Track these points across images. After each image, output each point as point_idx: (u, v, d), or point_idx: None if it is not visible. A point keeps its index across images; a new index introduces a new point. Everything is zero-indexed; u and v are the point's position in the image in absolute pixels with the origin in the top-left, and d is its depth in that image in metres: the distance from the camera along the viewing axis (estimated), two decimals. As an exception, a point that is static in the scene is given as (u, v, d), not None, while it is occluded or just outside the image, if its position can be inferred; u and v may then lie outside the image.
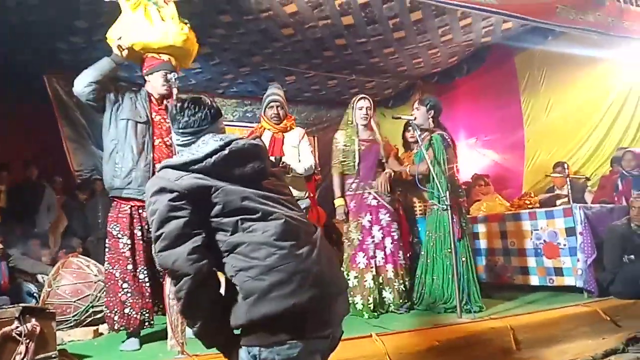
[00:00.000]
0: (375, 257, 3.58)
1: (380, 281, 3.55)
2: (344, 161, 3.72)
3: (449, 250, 3.35)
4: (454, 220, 3.33)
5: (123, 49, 2.77)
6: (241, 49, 5.10)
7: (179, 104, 1.44)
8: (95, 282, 3.41)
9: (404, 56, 5.58)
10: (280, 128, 3.54)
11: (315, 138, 7.27)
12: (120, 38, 2.78)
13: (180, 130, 1.43)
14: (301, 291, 1.26)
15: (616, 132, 5.06)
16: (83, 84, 2.69)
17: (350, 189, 3.72)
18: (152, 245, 1.32)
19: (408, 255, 3.90)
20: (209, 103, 1.47)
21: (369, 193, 3.67)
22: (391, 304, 3.52)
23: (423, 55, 5.60)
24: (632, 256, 3.52)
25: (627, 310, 3.42)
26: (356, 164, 3.67)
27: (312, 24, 4.56)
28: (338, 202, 3.74)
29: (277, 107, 3.51)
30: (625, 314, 3.39)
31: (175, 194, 1.27)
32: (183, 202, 1.27)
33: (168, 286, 2.51)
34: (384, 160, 3.78)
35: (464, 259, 3.42)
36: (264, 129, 3.56)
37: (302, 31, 4.70)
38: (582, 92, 5.24)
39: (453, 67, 6.03)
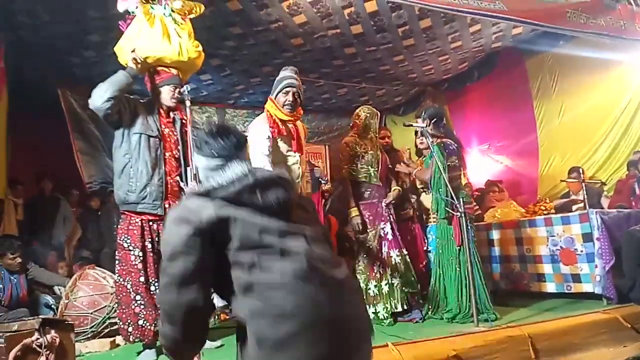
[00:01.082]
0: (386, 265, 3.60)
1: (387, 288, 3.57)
2: (362, 168, 3.72)
3: (452, 257, 3.41)
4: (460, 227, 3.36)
5: (138, 62, 2.78)
6: (251, 60, 5.15)
7: (212, 129, 1.41)
8: (111, 294, 3.45)
9: (413, 63, 5.59)
10: (294, 116, 3.14)
11: (327, 147, 7.31)
12: (134, 50, 2.79)
13: (213, 154, 1.37)
14: (319, 344, 1.15)
15: (631, 135, 4.98)
16: (102, 99, 2.68)
17: (363, 198, 3.72)
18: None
19: (423, 263, 3.88)
20: (238, 130, 1.44)
21: (380, 202, 3.72)
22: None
23: (433, 62, 5.60)
24: (652, 262, 3.45)
25: (648, 317, 3.35)
26: (379, 171, 3.71)
27: (321, 34, 4.59)
28: (353, 212, 3.69)
29: (294, 93, 3.08)
30: (647, 321, 3.32)
31: (192, 228, 1.21)
32: (198, 238, 1.20)
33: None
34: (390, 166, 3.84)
35: (468, 266, 3.41)
36: (270, 114, 3.10)
37: (312, 41, 4.74)
38: (596, 95, 5.18)
39: (463, 73, 6.03)
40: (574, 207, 4.42)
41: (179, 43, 2.89)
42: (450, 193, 3.35)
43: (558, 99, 5.57)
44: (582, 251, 3.84)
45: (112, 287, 3.49)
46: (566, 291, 3.95)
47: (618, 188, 4.67)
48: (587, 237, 3.79)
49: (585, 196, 3.88)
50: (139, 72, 2.83)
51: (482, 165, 6.49)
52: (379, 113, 3.96)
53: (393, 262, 3.59)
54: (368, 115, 3.83)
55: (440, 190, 3.44)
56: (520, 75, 5.83)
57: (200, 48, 3.01)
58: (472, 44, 5.13)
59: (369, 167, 3.73)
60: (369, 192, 3.74)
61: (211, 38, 4.19)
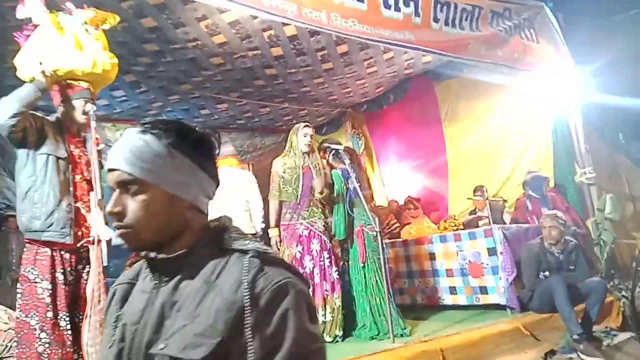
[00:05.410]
0: None
1: None
2: (284, 188, 3.71)
3: (358, 276, 3.60)
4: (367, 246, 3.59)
5: (46, 75, 2.52)
6: (168, 77, 4.99)
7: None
8: (5, 331, 3.09)
9: (333, 86, 5.75)
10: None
11: (251, 165, 7.24)
12: (41, 63, 2.52)
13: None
14: None
15: (527, 157, 5.49)
16: (6, 115, 2.38)
17: (284, 219, 3.70)
18: None
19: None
20: None
21: (301, 223, 3.66)
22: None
23: (351, 85, 5.80)
24: (547, 273, 3.78)
25: (544, 324, 3.65)
26: (299, 193, 3.66)
27: (241, 54, 4.58)
28: (273, 232, 3.70)
29: None
30: (543, 327, 3.61)
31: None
32: None
33: (86, 332, 2.33)
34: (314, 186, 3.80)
35: (373, 283, 3.57)
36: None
37: (232, 61, 4.71)
38: (495, 120, 5.67)
39: (380, 96, 6.31)
40: (480, 223, 4.75)
41: (92, 55, 2.69)
42: (345, 214, 3.67)
43: (464, 122, 6.01)
44: (487, 264, 4.11)
45: (6, 323, 3.14)
46: (475, 303, 4.20)
47: (516, 205, 5.09)
48: (492, 251, 4.08)
49: (489, 213, 4.19)
50: (48, 86, 2.56)
51: (401, 183, 6.79)
52: (303, 128, 3.80)
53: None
54: (290, 131, 3.87)
55: (339, 212, 3.67)
56: (431, 99, 6.23)
57: (115, 60, 2.82)
58: (386, 69, 5.39)
59: (288, 186, 3.72)
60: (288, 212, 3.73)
61: (124, 54, 4.00)
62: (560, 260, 3.83)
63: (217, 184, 1.01)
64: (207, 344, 0.81)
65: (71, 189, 2.60)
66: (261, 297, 0.82)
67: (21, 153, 2.55)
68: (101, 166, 2.73)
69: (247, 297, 0.82)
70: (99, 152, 2.71)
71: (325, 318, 3.51)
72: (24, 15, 2.62)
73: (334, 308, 3.54)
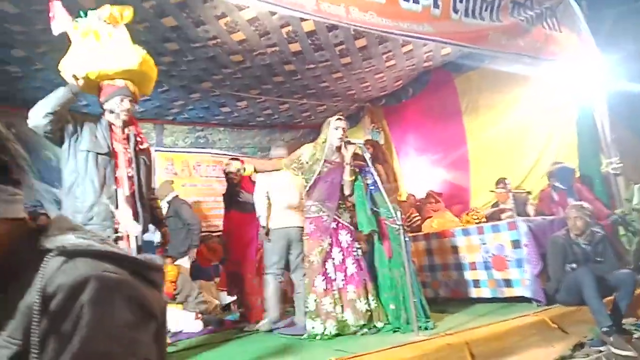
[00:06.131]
0: (336, 279, 3.58)
1: (341, 304, 3.54)
2: (296, 173, 3.77)
3: (384, 269, 3.62)
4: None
5: (78, 79, 2.62)
6: (190, 76, 5.07)
7: None
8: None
9: (352, 81, 5.74)
10: None
11: (270, 162, 7.30)
12: (72, 69, 2.63)
13: None
14: None
15: (551, 148, 5.38)
16: (40, 114, 2.52)
17: (310, 213, 3.72)
18: None
19: None
20: None
21: (328, 215, 3.67)
22: (353, 326, 3.48)
23: (370, 79, 5.79)
24: (574, 265, 3.70)
25: (572, 316, 3.59)
26: (309, 185, 3.70)
27: (260, 51, 4.61)
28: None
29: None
30: (571, 320, 3.55)
31: None
32: None
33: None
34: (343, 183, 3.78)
35: (398, 277, 3.56)
36: None
37: (251, 58, 4.75)
38: (518, 111, 5.57)
39: (399, 90, 6.28)
40: (503, 216, 4.69)
41: (117, 52, 2.72)
42: (369, 209, 3.63)
43: (485, 114, 5.93)
44: (512, 257, 4.06)
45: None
46: (500, 296, 4.16)
47: (541, 197, 5.00)
48: (516, 244, 4.03)
49: (513, 205, 4.13)
50: (82, 89, 2.67)
51: (421, 177, 6.75)
52: (335, 121, 3.73)
53: (349, 297, 3.54)
54: (324, 124, 3.83)
55: (359, 207, 3.68)
56: (451, 91, 6.15)
57: (144, 52, 2.83)
58: (405, 62, 5.36)
59: (306, 174, 3.72)
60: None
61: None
62: (587, 252, 3.75)
63: (18, 183, 0.82)
64: (4, 356, 0.70)
65: (112, 183, 2.66)
66: (56, 296, 0.69)
67: (64, 150, 2.67)
68: (144, 163, 2.82)
69: (37, 298, 0.69)
70: (143, 150, 2.78)
71: (370, 306, 3.54)
72: (60, 30, 2.69)
73: (375, 294, 3.60)
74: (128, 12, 2.81)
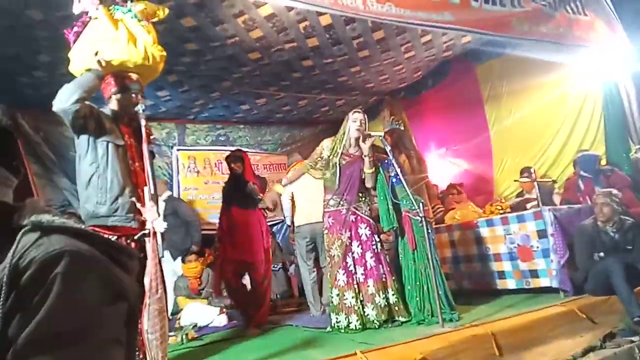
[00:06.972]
0: (356, 273, 3.58)
1: (362, 298, 3.55)
2: (323, 172, 3.76)
3: (409, 261, 3.62)
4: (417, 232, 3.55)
5: (102, 65, 2.57)
6: (209, 75, 5.13)
7: None
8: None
9: (370, 73, 5.71)
10: None
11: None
12: (97, 53, 2.58)
13: None
14: None
15: (577, 135, 5.25)
16: (69, 100, 2.44)
17: (329, 206, 3.73)
18: None
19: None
20: None
21: (347, 209, 3.67)
22: (375, 321, 3.48)
23: (388, 71, 5.75)
24: (602, 254, 3.63)
25: (601, 306, 3.52)
26: (337, 178, 3.68)
27: (278, 47, 4.63)
28: (278, 188, 4.05)
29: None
30: (600, 310, 3.49)
31: None
32: None
33: (146, 320, 2.45)
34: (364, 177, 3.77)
35: (422, 269, 3.56)
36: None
37: (269, 55, 4.77)
38: (542, 98, 5.44)
39: (418, 81, 6.22)
40: (528, 205, 4.61)
41: (144, 46, 2.73)
42: (390, 200, 3.68)
43: (507, 103, 5.81)
44: (537, 247, 4.00)
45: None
46: (525, 287, 4.10)
47: (566, 185, 4.90)
48: (542, 234, 3.96)
49: (538, 194, 4.05)
50: (105, 75, 2.63)
51: (442, 169, 6.68)
52: (353, 114, 3.76)
53: (369, 292, 3.54)
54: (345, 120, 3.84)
55: (388, 198, 3.69)
56: (471, 81, 6.04)
57: (164, 53, 2.85)
58: (424, 53, 5.30)
59: (327, 170, 3.73)
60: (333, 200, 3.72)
61: (167, 54, 4.15)
62: (616, 240, 3.67)
63: (17, 172, 0.85)
64: None
65: (133, 175, 2.65)
66: (28, 269, 0.66)
67: (82, 141, 2.60)
68: (153, 156, 2.82)
69: (9, 272, 0.66)
70: (150, 143, 2.80)
71: (389, 300, 3.54)
72: (80, 9, 2.69)
73: (395, 288, 3.58)
74: (160, 13, 2.84)
